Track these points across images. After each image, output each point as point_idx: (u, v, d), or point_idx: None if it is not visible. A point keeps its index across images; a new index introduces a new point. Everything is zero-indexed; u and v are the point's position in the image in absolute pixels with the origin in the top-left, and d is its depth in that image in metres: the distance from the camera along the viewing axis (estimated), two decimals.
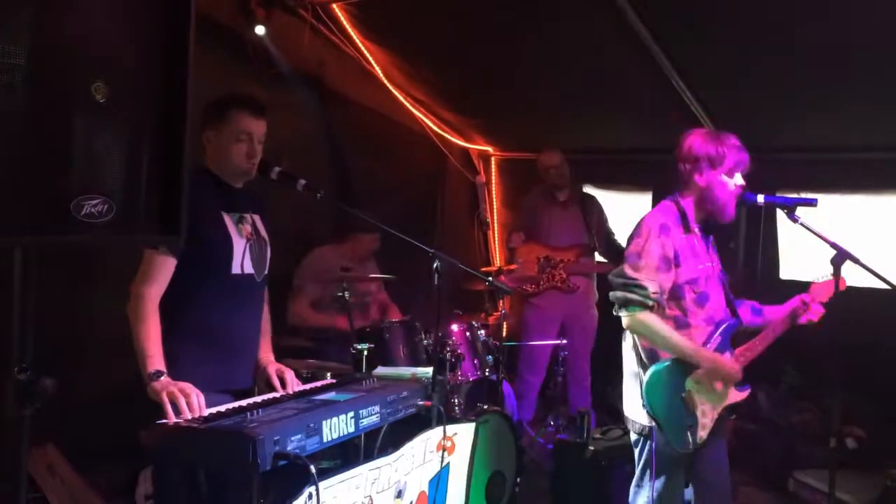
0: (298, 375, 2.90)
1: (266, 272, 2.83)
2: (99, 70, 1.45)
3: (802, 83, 4.11)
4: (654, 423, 2.73)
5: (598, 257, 5.28)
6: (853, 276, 2.81)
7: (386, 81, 5.28)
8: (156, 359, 2.41)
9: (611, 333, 2.88)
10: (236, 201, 2.74)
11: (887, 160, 4.69)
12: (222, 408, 2.40)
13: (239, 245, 2.68)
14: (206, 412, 2.32)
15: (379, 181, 5.29)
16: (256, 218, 2.81)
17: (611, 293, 2.79)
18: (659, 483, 2.77)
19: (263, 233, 2.83)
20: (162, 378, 2.37)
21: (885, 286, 2.71)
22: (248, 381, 2.80)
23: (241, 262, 2.68)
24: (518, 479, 3.97)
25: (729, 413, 2.90)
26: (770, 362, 2.86)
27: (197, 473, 2.24)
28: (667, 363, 2.73)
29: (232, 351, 2.72)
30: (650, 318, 2.70)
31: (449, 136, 6.09)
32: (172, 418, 2.26)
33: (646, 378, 2.73)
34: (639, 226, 2.83)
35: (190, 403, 2.29)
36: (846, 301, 2.73)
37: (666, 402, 2.72)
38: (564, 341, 5.02)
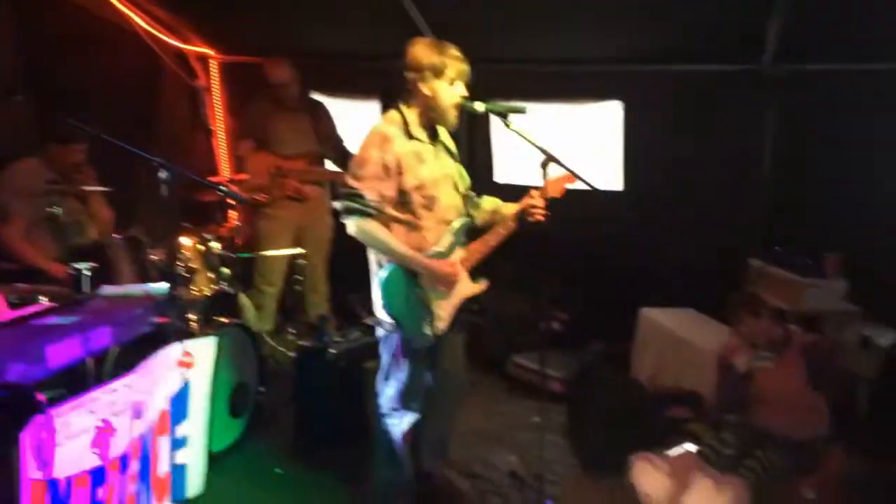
0: (8, 303, 2.63)
1: None
2: None
3: None
4: (391, 321, 2.90)
5: (329, 165, 5.31)
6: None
7: None
8: None
9: (347, 240, 2.96)
10: None
11: (587, 72, 5.23)
12: None
13: None
14: None
15: (85, 86, 4.77)
16: None
17: (334, 202, 2.92)
18: (403, 374, 2.97)
19: None
20: None
21: (584, 187, 3.08)
22: None
23: None
24: (261, 389, 4.01)
25: (470, 304, 3.14)
26: (489, 257, 3.12)
27: None
28: (396, 264, 2.89)
29: None
30: (371, 226, 2.83)
31: (163, 36, 5.63)
32: None
33: (380, 279, 2.88)
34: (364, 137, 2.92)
35: None
36: (551, 201, 3.05)
37: (402, 300, 2.89)
38: (300, 250, 5.04)
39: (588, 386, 4.17)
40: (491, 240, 3.09)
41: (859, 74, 4.55)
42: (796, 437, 3.50)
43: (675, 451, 3.58)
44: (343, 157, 5.09)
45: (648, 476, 3.37)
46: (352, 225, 2.86)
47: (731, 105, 4.89)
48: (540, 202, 3.01)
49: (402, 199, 2.90)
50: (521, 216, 3.07)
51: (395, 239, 2.88)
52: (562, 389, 4.44)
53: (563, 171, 2.98)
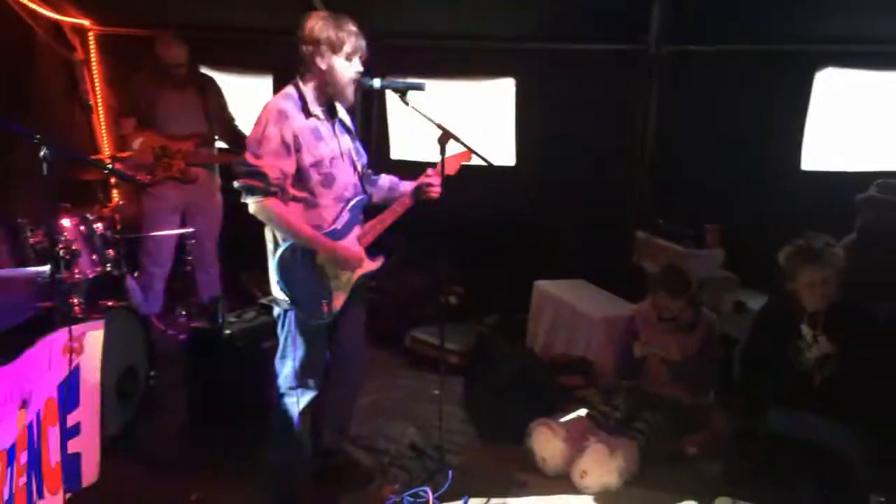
0: None
1: None
2: None
3: None
4: (287, 299, 2.86)
5: (219, 144, 5.14)
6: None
7: None
8: None
9: (239, 218, 2.90)
10: None
11: (482, 49, 5.30)
12: None
13: None
14: None
15: None
16: None
17: (234, 181, 2.81)
18: (301, 351, 2.93)
19: None
20: None
21: (480, 162, 3.13)
22: None
23: None
24: (152, 373, 3.89)
25: (368, 280, 3.13)
26: (383, 235, 3.13)
27: None
28: (292, 242, 2.85)
29: None
30: (272, 205, 2.78)
31: (35, 6, 5.27)
32: None
33: (275, 258, 2.84)
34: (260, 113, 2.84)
35: None
36: (447, 177, 3.08)
37: (297, 278, 2.85)
38: (190, 229, 4.88)
39: (484, 357, 4.26)
40: (387, 217, 3.11)
41: (738, 55, 4.83)
42: (685, 402, 3.71)
43: (568, 417, 3.73)
44: (235, 136, 4.94)
45: (546, 441, 3.50)
46: (253, 204, 2.78)
47: (618, 83, 5.08)
48: (436, 179, 3.05)
49: (300, 177, 2.85)
50: (417, 193, 3.10)
51: (298, 219, 2.84)
52: (460, 362, 4.52)
53: (460, 148, 3.02)
